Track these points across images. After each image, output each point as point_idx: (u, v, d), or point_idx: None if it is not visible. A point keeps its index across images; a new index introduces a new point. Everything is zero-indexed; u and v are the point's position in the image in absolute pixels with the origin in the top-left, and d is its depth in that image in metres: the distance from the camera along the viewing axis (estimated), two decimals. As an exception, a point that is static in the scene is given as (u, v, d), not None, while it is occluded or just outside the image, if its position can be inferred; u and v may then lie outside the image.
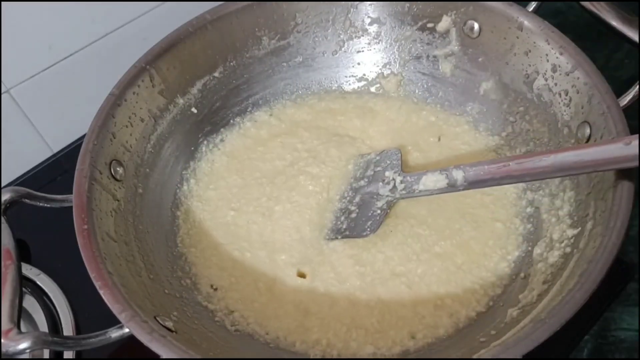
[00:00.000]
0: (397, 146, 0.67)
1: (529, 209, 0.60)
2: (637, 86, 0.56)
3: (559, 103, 0.58)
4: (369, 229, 0.59)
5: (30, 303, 0.63)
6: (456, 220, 0.61)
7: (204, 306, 0.57)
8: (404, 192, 0.60)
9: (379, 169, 0.63)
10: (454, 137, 0.68)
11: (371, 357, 0.54)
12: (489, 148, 0.66)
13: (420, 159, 0.66)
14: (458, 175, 0.55)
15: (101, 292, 0.47)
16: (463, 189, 0.56)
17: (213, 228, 0.63)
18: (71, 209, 0.52)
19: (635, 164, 0.46)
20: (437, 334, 0.54)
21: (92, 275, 0.48)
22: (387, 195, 0.60)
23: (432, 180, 0.57)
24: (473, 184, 0.55)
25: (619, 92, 0.55)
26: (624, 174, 0.48)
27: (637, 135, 0.45)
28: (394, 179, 0.61)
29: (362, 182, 0.63)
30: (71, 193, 0.53)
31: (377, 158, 0.65)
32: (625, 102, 0.56)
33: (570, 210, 0.55)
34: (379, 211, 0.60)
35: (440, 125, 0.69)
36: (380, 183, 0.62)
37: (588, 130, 0.54)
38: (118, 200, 0.56)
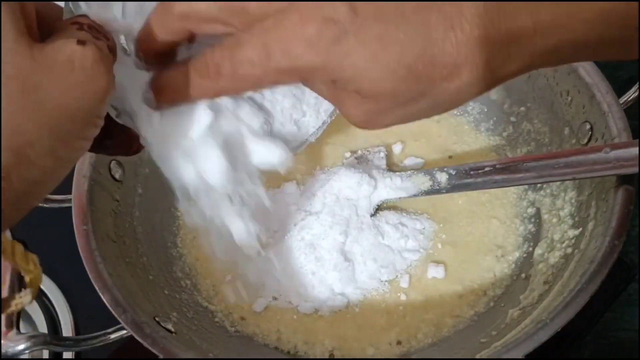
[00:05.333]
0: (396, 146, 0.67)
1: (530, 210, 0.60)
2: (638, 86, 0.56)
3: (560, 103, 0.58)
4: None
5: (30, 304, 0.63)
6: (454, 216, 0.61)
7: (204, 307, 0.57)
8: None
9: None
10: (455, 138, 0.67)
11: (371, 357, 0.54)
12: (490, 148, 0.66)
13: (419, 159, 0.66)
14: (442, 177, 0.56)
15: (100, 293, 0.47)
16: (446, 192, 0.56)
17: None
18: (71, 209, 0.52)
19: (613, 172, 0.47)
20: (439, 333, 0.54)
21: (91, 276, 0.48)
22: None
23: (416, 182, 0.57)
24: (457, 187, 0.55)
25: (619, 92, 0.55)
26: (624, 175, 0.48)
27: (617, 144, 0.47)
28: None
29: None
30: (71, 193, 0.52)
31: (363, 157, 0.65)
32: (626, 102, 0.56)
33: (571, 210, 0.55)
34: None
35: (441, 126, 0.69)
36: None
37: (589, 130, 0.54)
38: (117, 201, 0.56)
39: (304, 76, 0.30)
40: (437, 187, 0.56)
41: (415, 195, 0.58)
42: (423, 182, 0.57)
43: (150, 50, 0.32)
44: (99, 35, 0.29)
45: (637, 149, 0.46)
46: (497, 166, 0.53)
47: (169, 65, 0.33)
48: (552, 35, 0.28)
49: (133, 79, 0.33)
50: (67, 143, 0.28)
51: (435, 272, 0.57)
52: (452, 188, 0.56)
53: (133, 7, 0.33)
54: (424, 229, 0.59)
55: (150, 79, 0.33)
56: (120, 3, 0.33)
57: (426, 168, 0.64)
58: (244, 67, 0.29)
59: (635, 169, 0.46)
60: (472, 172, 0.54)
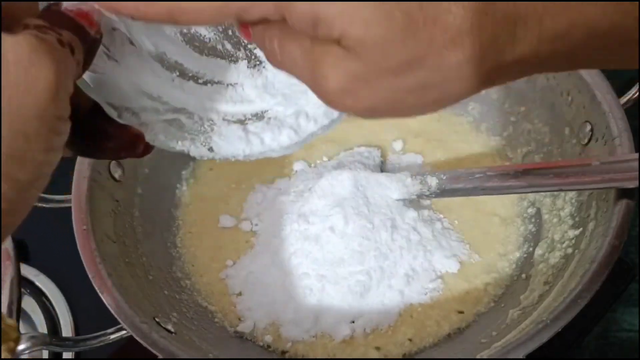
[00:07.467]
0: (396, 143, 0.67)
1: (530, 210, 0.60)
2: (638, 86, 0.56)
3: (561, 103, 0.58)
4: None
5: (29, 304, 0.63)
6: (457, 213, 0.61)
7: (204, 307, 0.57)
8: None
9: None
10: (455, 137, 0.67)
11: (373, 357, 0.54)
12: (490, 148, 0.66)
13: (418, 155, 0.66)
14: (432, 181, 0.55)
15: (100, 293, 0.47)
16: (435, 197, 0.56)
17: (214, 230, 0.63)
18: (70, 209, 0.52)
19: (602, 186, 0.47)
20: (441, 332, 0.54)
21: (91, 276, 0.48)
22: None
23: (407, 184, 0.57)
24: (446, 192, 0.55)
25: (620, 92, 0.55)
26: (625, 174, 0.48)
27: (607, 158, 0.48)
28: None
29: None
30: (70, 193, 0.52)
31: (357, 157, 0.65)
32: (626, 102, 0.56)
33: (571, 210, 0.55)
34: None
35: (441, 125, 0.69)
36: None
37: (590, 131, 0.54)
38: (117, 201, 0.56)
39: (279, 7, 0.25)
40: (427, 192, 0.56)
41: (406, 198, 0.58)
42: (413, 184, 0.56)
43: None
44: (53, 29, 0.25)
45: (626, 163, 0.46)
46: (487, 173, 0.53)
47: None
48: (561, 17, 0.25)
49: (140, 72, 0.31)
50: (23, 160, 0.23)
51: (447, 266, 0.57)
52: (442, 193, 0.55)
53: None
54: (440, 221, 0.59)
55: None
56: None
57: (425, 166, 0.64)
58: None
59: (624, 184, 0.46)
60: (462, 178, 0.54)
